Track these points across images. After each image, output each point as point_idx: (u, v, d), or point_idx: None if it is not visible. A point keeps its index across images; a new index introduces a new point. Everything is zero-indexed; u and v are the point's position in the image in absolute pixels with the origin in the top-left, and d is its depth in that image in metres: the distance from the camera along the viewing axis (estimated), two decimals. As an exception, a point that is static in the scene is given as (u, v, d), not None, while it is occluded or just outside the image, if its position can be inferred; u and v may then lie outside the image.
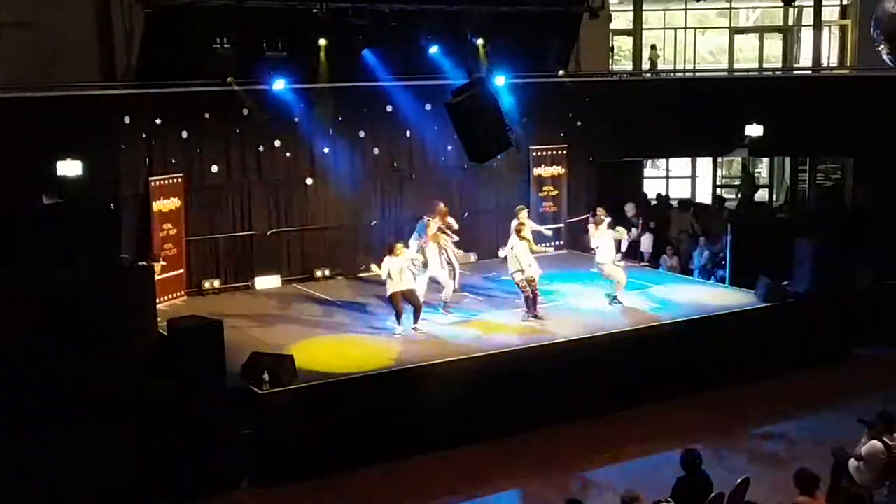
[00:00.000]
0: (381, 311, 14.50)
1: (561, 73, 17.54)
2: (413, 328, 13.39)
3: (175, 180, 15.20)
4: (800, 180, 22.41)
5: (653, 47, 21.33)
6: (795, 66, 22.88)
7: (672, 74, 22.09)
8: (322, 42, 15.04)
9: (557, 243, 18.33)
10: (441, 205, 15.08)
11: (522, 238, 13.97)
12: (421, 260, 13.97)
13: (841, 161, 21.44)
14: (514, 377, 12.42)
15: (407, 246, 13.96)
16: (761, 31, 23.57)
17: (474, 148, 13.93)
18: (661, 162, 23.22)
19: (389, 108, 16.65)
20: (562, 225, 18.66)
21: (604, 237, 14.69)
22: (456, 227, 15.10)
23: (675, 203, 20.01)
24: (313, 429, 11.21)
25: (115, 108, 14.30)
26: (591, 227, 14.98)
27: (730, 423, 12.88)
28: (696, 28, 22.92)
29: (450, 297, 14.31)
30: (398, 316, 13.30)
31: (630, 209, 17.84)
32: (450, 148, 16.95)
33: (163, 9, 14.24)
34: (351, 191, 16.83)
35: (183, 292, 15.33)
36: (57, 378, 11.78)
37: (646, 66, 21.63)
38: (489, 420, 12.09)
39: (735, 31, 23.19)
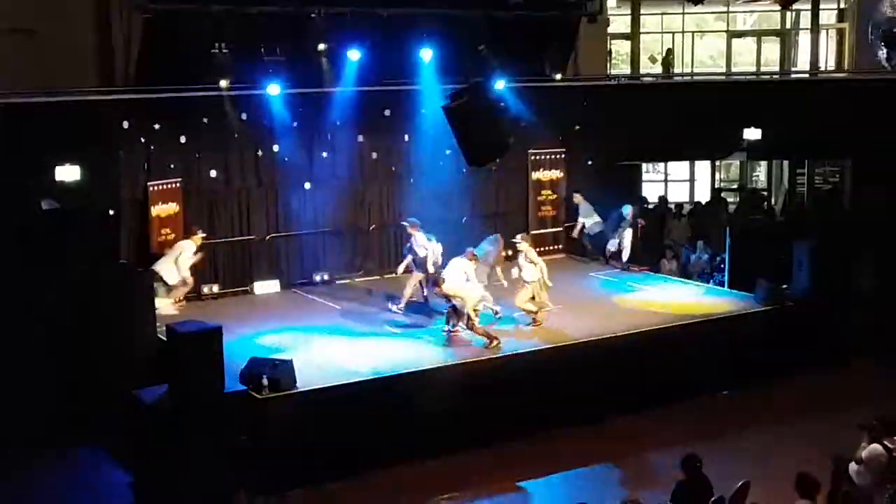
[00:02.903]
0: (380, 315, 14.54)
1: (558, 77, 17.54)
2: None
3: (173, 185, 15.19)
4: (798, 184, 22.43)
5: (669, 51, 21.47)
6: (793, 69, 22.91)
7: (670, 78, 22.12)
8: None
9: (556, 247, 18.39)
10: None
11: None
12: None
13: (839, 164, 21.49)
14: (515, 381, 12.40)
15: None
16: (759, 34, 23.61)
17: (473, 152, 13.99)
18: (660, 165, 23.24)
19: (388, 112, 16.66)
20: (560, 229, 18.67)
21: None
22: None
23: (672, 207, 20.04)
24: (313, 434, 11.19)
25: (114, 114, 14.29)
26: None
27: (730, 426, 12.88)
28: (693, 32, 22.95)
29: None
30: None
31: (630, 212, 17.69)
32: (448, 152, 16.94)
33: (161, 14, 14.24)
34: (349, 195, 16.83)
35: (181, 297, 15.30)
36: (56, 383, 11.80)
37: (657, 69, 21.76)
38: (490, 424, 12.06)
39: (733, 34, 23.22)
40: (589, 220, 17.90)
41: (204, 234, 15.04)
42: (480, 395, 12.16)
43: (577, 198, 18.10)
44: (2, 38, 13.98)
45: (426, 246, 14.48)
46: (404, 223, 15.10)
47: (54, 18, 14.31)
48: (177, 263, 14.59)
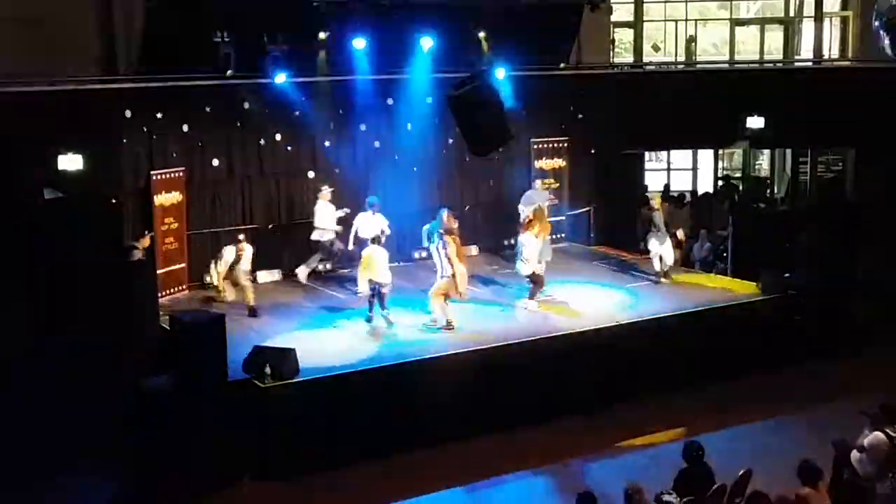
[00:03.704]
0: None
1: (561, 65, 17.51)
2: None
3: (176, 174, 15.19)
4: (801, 172, 22.37)
5: (691, 38, 21.53)
6: (796, 57, 22.81)
7: (673, 66, 22.07)
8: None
9: (559, 235, 18.36)
10: None
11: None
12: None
13: (842, 153, 21.44)
14: (517, 370, 12.43)
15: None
16: (762, 22, 23.49)
17: (476, 141, 13.98)
18: (663, 154, 23.20)
19: (390, 101, 16.64)
20: (563, 217, 18.65)
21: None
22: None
23: (673, 196, 20.00)
24: (316, 422, 11.22)
25: (116, 102, 14.27)
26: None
27: (731, 415, 12.89)
28: (696, 20, 22.85)
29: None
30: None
31: (655, 200, 16.27)
32: (451, 141, 16.97)
33: (163, 2, 14.21)
34: (352, 184, 16.82)
35: (185, 286, 15.33)
36: (58, 372, 11.82)
37: (660, 57, 21.72)
38: (492, 413, 12.10)
39: (736, 22, 23.11)
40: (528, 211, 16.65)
41: (332, 189, 15.42)
42: (484, 383, 12.18)
43: (537, 184, 17.52)
44: (3, 25, 13.95)
45: (359, 225, 15.05)
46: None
47: (56, 6, 14.28)
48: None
